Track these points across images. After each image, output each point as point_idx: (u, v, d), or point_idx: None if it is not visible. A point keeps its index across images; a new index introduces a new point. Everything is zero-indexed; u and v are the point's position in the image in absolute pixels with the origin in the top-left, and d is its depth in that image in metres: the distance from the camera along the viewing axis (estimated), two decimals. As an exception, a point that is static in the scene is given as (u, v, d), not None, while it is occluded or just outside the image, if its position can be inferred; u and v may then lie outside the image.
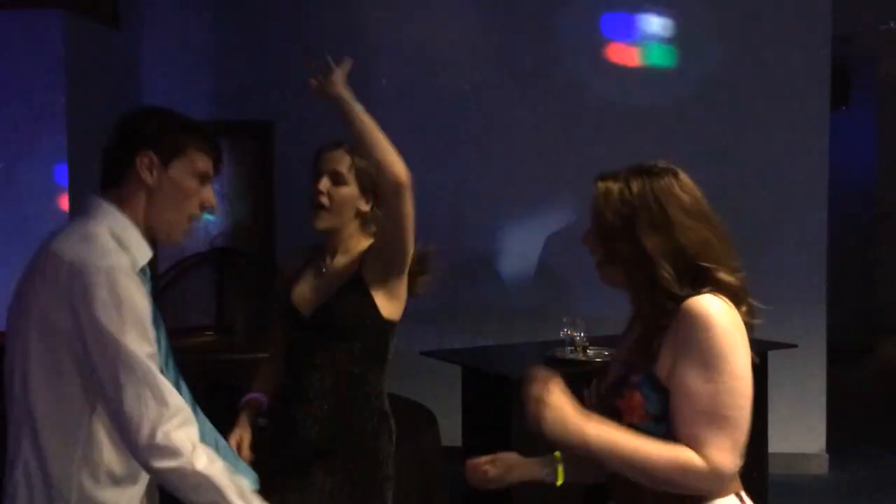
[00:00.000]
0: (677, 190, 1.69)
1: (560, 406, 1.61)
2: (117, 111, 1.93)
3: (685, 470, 1.57)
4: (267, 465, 2.33)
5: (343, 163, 2.36)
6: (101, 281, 1.60)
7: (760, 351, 3.99)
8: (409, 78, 5.32)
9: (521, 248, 5.41)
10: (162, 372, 1.71)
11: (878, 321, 9.01)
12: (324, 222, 2.36)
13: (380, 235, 2.36)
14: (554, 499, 3.76)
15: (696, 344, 1.58)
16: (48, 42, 4.95)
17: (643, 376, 1.65)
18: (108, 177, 1.80)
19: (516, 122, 5.41)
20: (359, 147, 2.21)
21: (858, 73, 8.22)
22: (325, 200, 2.34)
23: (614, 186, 1.71)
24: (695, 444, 1.57)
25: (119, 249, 1.68)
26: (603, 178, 1.74)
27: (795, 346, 4.43)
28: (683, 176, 1.73)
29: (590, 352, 3.85)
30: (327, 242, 2.42)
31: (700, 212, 1.69)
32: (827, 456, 5.31)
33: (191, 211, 1.83)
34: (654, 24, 5.32)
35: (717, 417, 1.56)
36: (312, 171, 2.39)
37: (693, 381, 1.58)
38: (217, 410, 2.51)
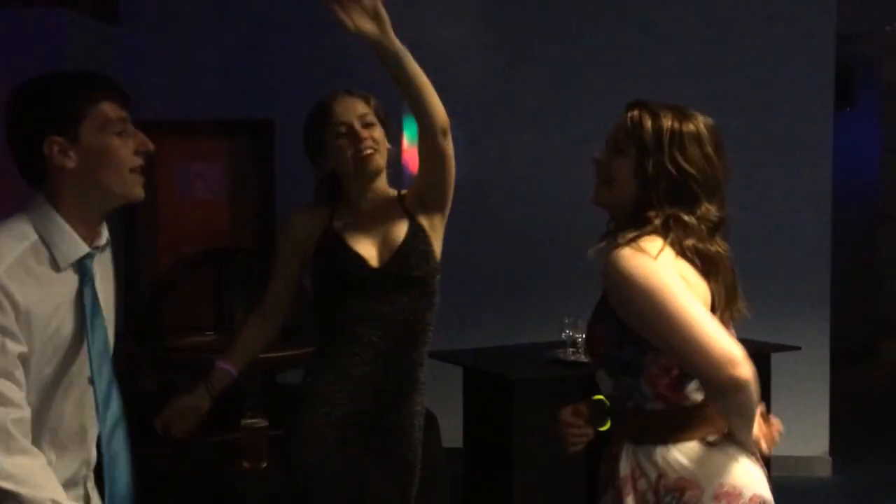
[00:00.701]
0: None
1: None
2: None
3: (735, 390, 1.59)
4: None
5: (363, 105, 2.30)
6: None
7: (763, 353, 3.99)
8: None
9: (521, 248, 5.39)
10: (92, 377, 1.67)
11: (882, 323, 8.98)
12: (377, 163, 2.28)
13: (422, 180, 2.31)
14: (555, 498, 3.75)
15: (627, 300, 1.65)
16: (49, 39, 4.95)
17: (605, 311, 1.74)
18: (33, 179, 1.69)
19: (516, 122, 5.39)
20: (398, 86, 2.13)
21: (863, 74, 8.19)
22: (372, 144, 2.27)
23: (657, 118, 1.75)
24: (698, 372, 1.62)
25: (12, 248, 1.62)
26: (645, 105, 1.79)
27: (798, 348, 4.41)
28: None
29: (591, 353, 3.82)
30: (362, 188, 2.31)
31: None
32: (830, 459, 5.28)
33: (129, 165, 1.71)
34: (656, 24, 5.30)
35: (689, 340, 1.59)
36: (320, 123, 2.29)
37: (644, 319, 1.64)
38: (217, 410, 2.49)
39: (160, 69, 5.53)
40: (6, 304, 1.59)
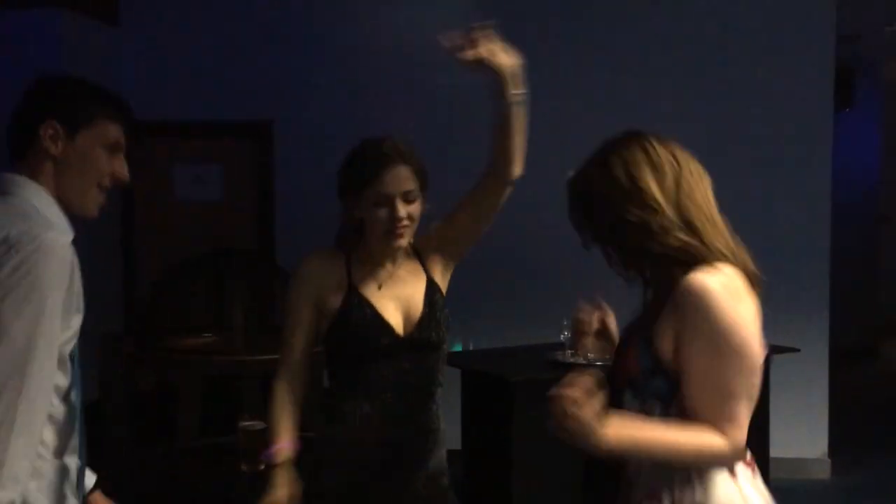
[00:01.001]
0: (647, 158, 1.76)
1: (586, 421, 1.58)
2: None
3: (712, 453, 1.63)
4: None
5: (410, 178, 2.22)
6: (50, 251, 1.56)
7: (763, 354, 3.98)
8: (407, 76, 5.28)
9: (521, 249, 5.38)
10: (73, 358, 1.66)
11: (882, 324, 8.98)
12: (407, 240, 2.25)
13: (455, 224, 2.32)
14: (554, 499, 3.75)
15: (701, 323, 1.60)
16: (49, 39, 4.95)
17: (641, 338, 1.70)
18: (15, 150, 1.73)
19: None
20: (502, 130, 2.12)
21: (863, 75, 8.19)
22: (407, 223, 2.22)
23: (591, 172, 1.85)
24: (714, 421, 1.61)
25: (40, 219, 1.63)
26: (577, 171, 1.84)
27: (798, 349, 4.41)
28: (653, 141, 1.78)
29: (590, 355, 3.82)
30: (385, 248, 2.25)
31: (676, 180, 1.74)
32: (829, 461, 5.28)
33: (99, 178, 1.75)
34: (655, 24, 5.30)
35: (729, 393, 1.60)
36: (361, 180, 2.20)
37: (702, 359, 1.61)
38: (216, 411, 2.49)
39: (159, 70, 5.53)
40: (72, 275, 1.61)
